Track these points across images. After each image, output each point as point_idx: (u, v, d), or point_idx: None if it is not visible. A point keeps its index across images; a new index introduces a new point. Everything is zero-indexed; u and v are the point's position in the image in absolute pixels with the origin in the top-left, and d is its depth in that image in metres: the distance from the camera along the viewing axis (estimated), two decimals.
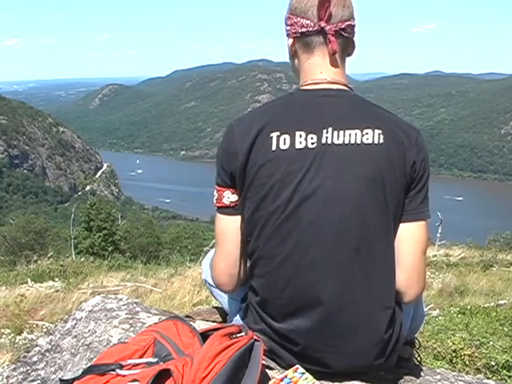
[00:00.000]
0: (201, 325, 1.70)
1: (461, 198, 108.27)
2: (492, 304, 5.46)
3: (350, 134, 1.24)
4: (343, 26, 1.30)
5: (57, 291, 5.24)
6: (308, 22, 1.30)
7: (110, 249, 14.83)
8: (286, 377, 1.18)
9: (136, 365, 1.11)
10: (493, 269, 9.72)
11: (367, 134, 1.24)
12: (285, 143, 1.23)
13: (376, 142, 1.24)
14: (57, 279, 6.32)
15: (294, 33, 1.33)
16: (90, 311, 1.74)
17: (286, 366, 1.28)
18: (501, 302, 5.81)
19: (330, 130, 1.24)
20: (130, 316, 1.67)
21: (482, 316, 4.13)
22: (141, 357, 1.14)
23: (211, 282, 1.56)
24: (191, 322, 1.34)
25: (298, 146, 1.23)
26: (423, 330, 3.39)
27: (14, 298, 4.30)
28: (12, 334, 3.14)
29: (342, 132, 1.24)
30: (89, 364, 1.32)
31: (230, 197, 1.32)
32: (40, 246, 13.77)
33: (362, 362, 1.30)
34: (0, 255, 12.35)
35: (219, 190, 1.33)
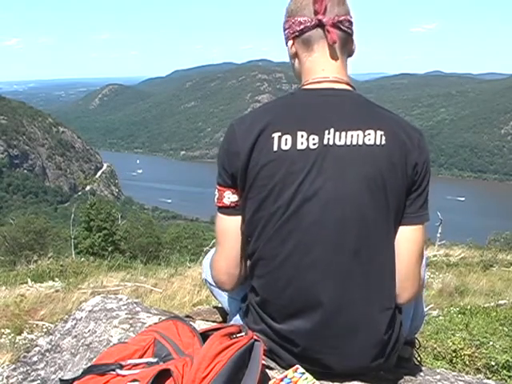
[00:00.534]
0: (201, 325, 1.70)
1: (463, 199, 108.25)
2: (492, 304, 5.46)
3: (351, 135, 1.23)
4: (340, 19, 1.30)
5: (57, 291, 5.24)
6: (305, 18, 1.30)
7: (109, 249, 14.83)
8: (286, 377, 1.18)
9: (136, 365, 1.11)
10: (493, 269, 9.72)
11: (369, 134, 1.24)
12: (286, 144, 1.23)
13: (378, 143, 1.24)
14: (57, 279, 6.31)
15: (293, 33, 1.33)
16: (90, 311, 1.74)
17: (286, 366, 1.28)
18: (501, 302, 5.81)
19: (331, 130, 1.23)
20: (130, 316, 1.67)
21: (482, 316, 4.13)
22: (141, 357, 1.14)
23: (211, 282, 1.56)
24: (191, 322, 1.34)
25: (299, 146, 1.23)
26: (423, 329, 3.39)
27: (14, 297, 4.30)
28: (12, 334, 3.14)
29: (343, 133, 1.23)
30: (89, 364, 1.32)
31: (230, 197, 1.31)
32: (40, 246, 13.76)
33: (362, 362, 1.30)
34: (0, 255, 12.34)
35: (220, 189, 1.33)
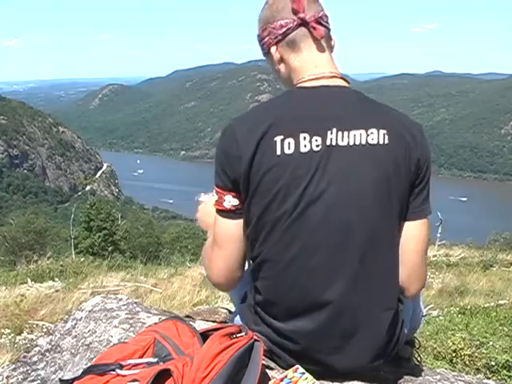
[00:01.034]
0: (201, 325, 1.70)
1: (465, 199, 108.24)
2: (492, 304, 5.46)
3: (354, 135, 1.22)
4: (320, 15, 1.30)
5: (57, 291, 5.24)
6: (286, 20, 1.29)
7: (109, 249, 14.85)
8: (286, 377, 1.18)
9: (136, 365, 1.11)
10: (493, 269, 9.72)
11: (372, 133, 1.23)
12: (289, 147, 1.21)
13: (381, 142, 1.23)
14: (57, 279, 6.31)
15: (275, 38, 1.32)
16: (90, 311, 1.74)
17: (286, 367, 1.28)
18: (501, 302, 5.81)
19: (334, 130, 1.22)
20: (130, 316, 1.67)
21: (482, 316, 4.13)
22: (141, 357, 1.14)
23: None
24: (191, 322, 1.34)
25: (302, 149, 1.21)
26: (423, 330, 3.39)
27: (14, 297, 4.30)
28: (12, 334, 3.13)
29: (346, 133, 1.22)
30: (89, 364, 1.32)
31: (231, 201, 1.28)
32: (40, 246, 13.75)
33: (363, 362, 1.31)
34: (0, 255, 12.34)
35: (220, 192, 1.29)
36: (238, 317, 1.51)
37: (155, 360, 1.12)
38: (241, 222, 1.30)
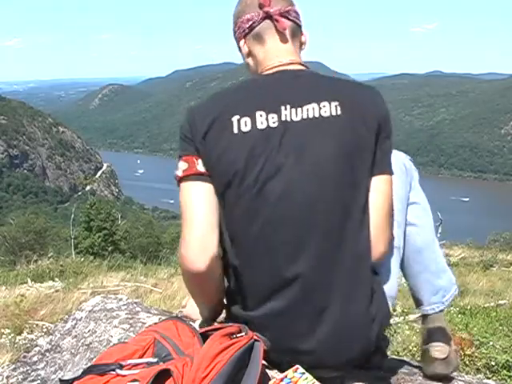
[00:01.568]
0: (198, 321, 1.70)
1: (467, 199, 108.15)
2: (492, 304, 5.46)
3: (307, 109, 1.24)
4: (287, 9, 1.33)
5: (57, 291, 5.23)
6: (252, 14, 1.33)
7: (109, 249, 14.84)
8: (286, 377, 1.18)
9: (136, 365, 1.11)
10: (493, 269, 9.73)
11: (324, 107, 1.24)
12: (246, 125, 1.22)
13: (334, 114, 1.24)
14: (57, 279, 6.31)
15: (243, 31, 1.35)
16: (90, 311, 1.74)
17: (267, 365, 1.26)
18: (501, 302, 5.82)
19: (288, 107, 1.24)
20: (130, 316, 1.67)
21: (482, 316, 4.13)
22: (141, 357, 1.14)
23: None
24: (191, 322, 1.34)
25: (259, 126, 1.22)
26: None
27: (14, 297, 4.30)
28: (12, 334, 3.13)
29: (299, 109, 1.24)
30: (89, 364, 1.32)
31: (203, 166, 1.26)
32: (40, 246, 13.75)
33: (343, 348, 1.27)
34: (0, 255, 12.34)
35: (188, 158, 1.26)
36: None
37: (155, 360, 1.12)
38: (211, 186, 1.26)
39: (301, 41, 1.38)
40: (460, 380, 1.54)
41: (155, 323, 1.38)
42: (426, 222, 1.56)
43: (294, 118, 1.23)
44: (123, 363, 1.10)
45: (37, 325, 3.57)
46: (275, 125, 1.22)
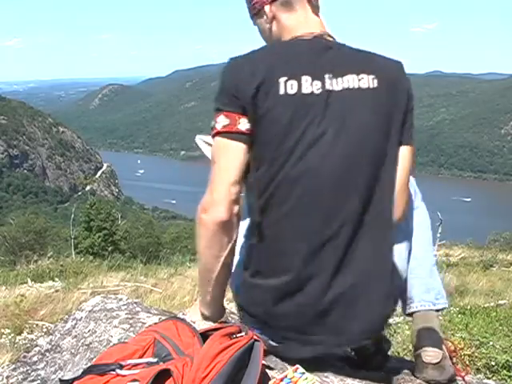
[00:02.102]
0: (201, 325, 1.70)
1: (469, 199, 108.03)
2: (492, 304, 5.46)
3: (348, 80, 1.28)
4: None
5: (57, 291, 5.24)
6: None
7: (109, 249, 14.84)
8: (285, 377, 1.18)
9: (136, 365, 1.11)
10: (493, 269, 9.73)
11: (363, 78, 1.29)
12: (292, 88, 1.24)
13: (371, 86, 1.29)
14: (57, 279, 6.31)
15: None
16: (90, 311, 1.74)
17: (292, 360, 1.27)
18: (501, 302, 5.81)
19: (331, 75, 1.27)
20: (130, 316, 1.67)
21: (481, 316, 4.13)
22: (141, 357, 1.14)
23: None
24: (191, 322, 1.34)
25: (304, 91, 1.24)
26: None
27: (14, 297, 4.30)
28: (12, 334, 3.13)
29: (340, 78, 1.27)
30: (89, 364, 1.32)
31: (245, 124, 1.26)
32: (40, 246, 13.75)
33: (375, 314, 1.32)
34: (0, 255, 12.33)
35: (231, 114, 1.26)
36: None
37: (155, 360, 1.12)
38: (248, 148, 1.27)
39: (319, 7, 1.42)
40: (460, 380, 1.54)
41: (155, 323, 1.38)
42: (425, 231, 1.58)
43: (336, 88, 1.26)
44: (123, 363, 1.10)
45: (37, 325, 3.57)
46: (319, 91, 1.25)
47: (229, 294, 1.53)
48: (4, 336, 3.12)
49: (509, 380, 2.62)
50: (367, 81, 1.28)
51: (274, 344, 1.35)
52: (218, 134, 1.27)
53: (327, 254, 1.26)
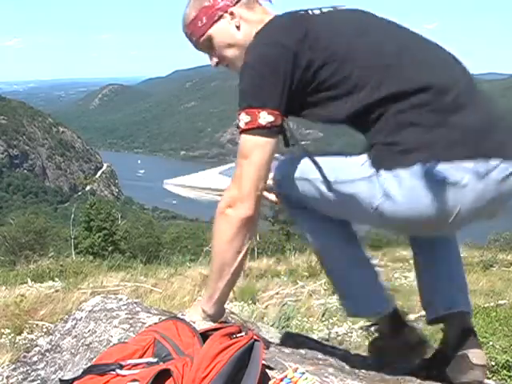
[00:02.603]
0: (201, 325, 1.70)
1: None
2: (492, 304, 5.45)
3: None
4: None
5: (57, 291, 5.23)
6: None
7: (109, 249, 14.87)
8: (285, 377, 1.18)
9: (136, 365, 1.11)
10: (493, 269, 9.71)
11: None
12: (314, 11, 1.37)
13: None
14: (57, 279, 6.31)
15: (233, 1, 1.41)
16: (90, 311, 1.74)
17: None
18: (501, 302, 5.80)
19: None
20: (130, 316, 1.67)
21: (481, 316, 4.12)
22: (141, 357, 1.14)
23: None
24: (191, 322, 1.34)
25: (317, 12, 1.37)
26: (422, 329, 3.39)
27: (14, 297, 4.30)
28: (12, 334, 3.14)
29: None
30: (89, 364, 1.32)
31: (266, 117, 1.27)
32: (40, 246, 13.77)
33: None
34: (0, 255, 12.34)
35: (251, 111, 1.28)
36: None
37: (155, 360, 1.12)
38: (274, 141, 1.29)
39: None
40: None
41: (155, 323, 1.38)
42: None
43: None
44: (123, 363, 1.10)
45: (37, 325, 3.57)
46: (326, 10, 1.38)
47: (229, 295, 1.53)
48: (4, 336, 3.12)
49: (509, 380, 2.62)
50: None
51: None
52: (242, 131, 1.29)
53: None
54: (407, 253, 8.24)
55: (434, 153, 1.19)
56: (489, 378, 2.39)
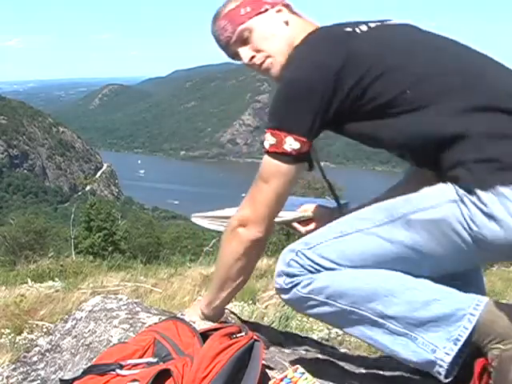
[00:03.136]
0: (201, 325, 1.70)
1: None
2: None
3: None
4: None
5: (57, 291, 5.23)
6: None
7: (109, 249, 14.87)
8: (285, 377, 1.18)
9: (136, 365, 1.11)
10: (493, 269, 9.72)
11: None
12: (361, 30, 1.28)
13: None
14: (57, 279, 6.31)
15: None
16: (90, 311, 1.74)
17: None
18: (501, 302, 5.80)
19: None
20: (130, 316, 1.67)
21: None
22: (141, 357, 1.14)
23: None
24: (191, 322, 1.34)
25: (364, 29, 1.28)
26: None
27: (14, 297, 4.30)
28: (12, 334, 3.13)
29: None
30: (89, 364, 1.32)
31: (292, 143, 1.22)
32: (40, 246, 13.76)
33: None
34: (0, 255, 12.34)
35: (277, 134, 1.22)
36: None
37: (155, 360, 1.12)
38: (297, 168, 1.26)
39: None
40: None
41: (155, 323, 1.38)
42: None
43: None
44: (123, 363, 1.10)
45: (37, 325, 3.57)
46: (373, 25, 1.31)
47: None
48: (4, 336, 3.12)
49: None
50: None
51: None
52: (270, 153, 1.25)
53: None
54: None
55: None
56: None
